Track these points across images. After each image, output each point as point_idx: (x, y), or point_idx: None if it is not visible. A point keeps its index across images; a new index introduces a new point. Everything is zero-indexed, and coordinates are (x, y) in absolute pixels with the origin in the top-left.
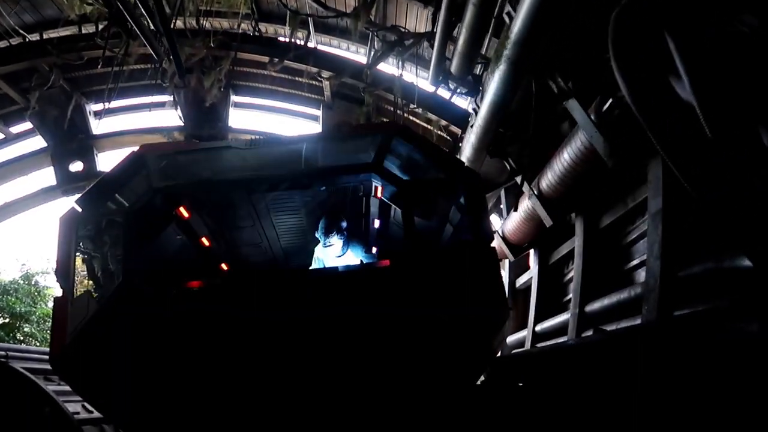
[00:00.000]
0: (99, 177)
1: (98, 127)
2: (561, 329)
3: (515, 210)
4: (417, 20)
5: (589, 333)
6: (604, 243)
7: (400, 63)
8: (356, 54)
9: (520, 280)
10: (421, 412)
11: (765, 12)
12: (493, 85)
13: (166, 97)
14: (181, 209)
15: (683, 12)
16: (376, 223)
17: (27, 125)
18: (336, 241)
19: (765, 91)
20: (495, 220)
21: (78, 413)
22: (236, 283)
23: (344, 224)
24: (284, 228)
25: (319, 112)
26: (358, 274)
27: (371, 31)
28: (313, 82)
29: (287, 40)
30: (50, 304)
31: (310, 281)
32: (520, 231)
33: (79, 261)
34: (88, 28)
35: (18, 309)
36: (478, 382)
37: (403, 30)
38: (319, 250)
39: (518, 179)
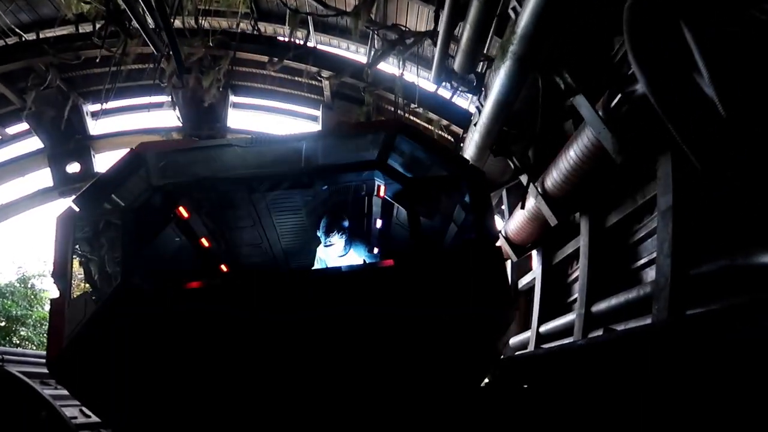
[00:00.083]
0: (96, 177)
1: (95, 127)
2: (566, 330)
3: (518, 209)
4: (418, 19)
5: (597, 333)
6: (610, 242)
7: (401, 62)
8: (356, 54)
9: (523, 281)
10: (425, 413)
11: None
12: (498, 82)
13: (165, 98)
14: (181, 209)
15: (699, 1)
16: (378, 223)
17: (23, 126)
18: (337, 240)
19: None
20: (497, 221)
21: (75, 418)
22: (239, 284)
23: (346, 223)
24: (285, 228)
25: (318, 113)
26: (362, 273)
27: (372, 29)
28: (313, 82)
29: (287, 39)
30: (47, 308)
31: (314, 281)
32: (523, 231)
33: (75, 264)
34: (86, 28)
35: (14, 312)
36: (483, 384)
37: (403, 29)
38: (320, 251)
39: (523, 178)
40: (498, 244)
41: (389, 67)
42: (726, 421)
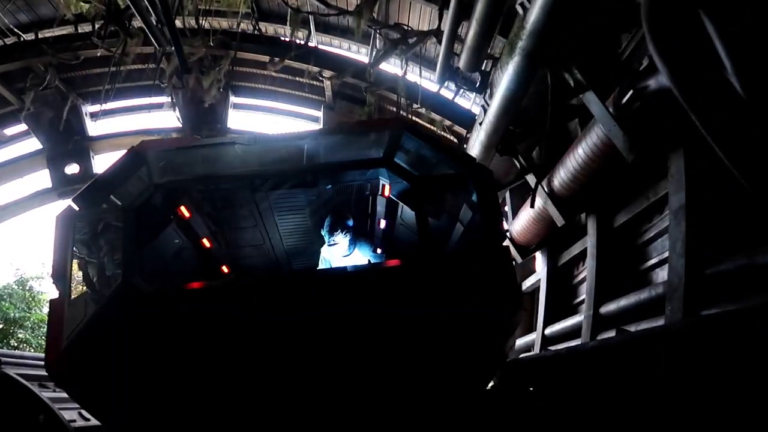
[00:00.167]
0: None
1: (95, 128)
2: (573, 332)
3: (523, 210)
4: (420, 18)
5: (606, 335)
6: (618, 242)
7: (403, 61)
8: (357, 54)
9: (527, 283)
10: (431, 415)
11: None
12: (505, 78)
13: (164, 99)
14: (182, 208)
15: None
16: (383, 223)
17: (22, 127)
18: (341, 239)
19: None
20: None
21: (74, 421)
22: (243, 284)
23: (350, 222)
24: (288, 229)
25: (320, 113)
26: (369, 273)
27: (374, 29)
28: (314, 83)
29: (288, 39)
30: (45, 310)
31: (320, 281)
32: (529, 232)
33: (75, 265)
34: (85, 28)
35: (12, 314)
36: (489, 387)
37: (406, 28)
38: (325, 250)
39: (529, 178)
40: (505, 244)
41: (391, 67)
42: (750, 425)
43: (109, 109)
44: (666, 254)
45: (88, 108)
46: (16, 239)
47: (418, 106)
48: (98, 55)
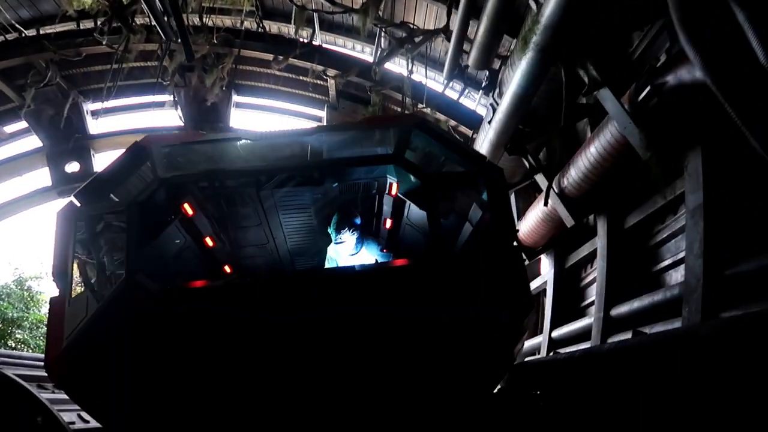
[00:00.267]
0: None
1: (95, 126)
2: (582, 335)
3: (531, 211)
4: (426, 17)
5: (618, 337)
6: (629, 243)
7: (409, 61)
8: (362, 54)
9: (532, 285)
10: (438, 418)
11: None
12: (517, 74)
13: (166, 97)
14: (186, 206)
15: None
16: (389, 222)
17: (22, 124)
18: (348, 237)
19: None
20: None
21: (73, 423)
22: (250, 284)
23: (358, 221)
24: (294, 228)
25: (323, 113)
26: (378, 273)
27: (380, 27)
28: (318, 81)
29: (292, 37)
30: (43, 310)
31: (328, 281)
32: (536, 233)
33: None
34: (87, 24)
35: (10, 314)
36: (496, 390)
37: (412, 26)
38: (331, 249)
39: (539, 178)
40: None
41: (396, 67)
42: None
43: (110, 107)
44: (680, 255)
45: (89, 106)
46: (15, 238)
47: (423, 106)
48: (100, 51)
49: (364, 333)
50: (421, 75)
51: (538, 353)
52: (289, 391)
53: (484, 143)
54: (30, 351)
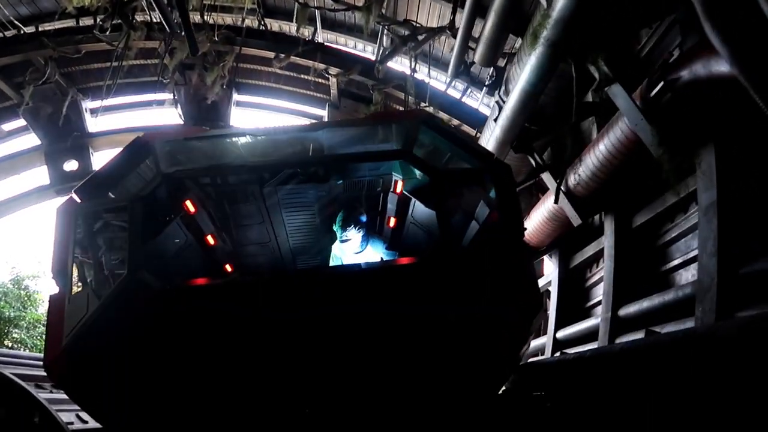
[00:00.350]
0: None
1: (94, 125)
2: (588, 335)
3: (536, 210)
4: (429, 15)
5: (626, 338)
6: (637, 243)
7: (412, 59)
8: (363, 52)
9: None
10: (444, 419)
11: None
12: (526, 71)
13: (166, 95)
14: (188, 203)
15: None
16: (392, 221)
17: (20, 122)
18: (354, 235)
19: None
20: None
21: (72, 423)
22: (256, 282)
23: (364, 218)
24: (297, 226)
25: (324, 112)
26: (384, 271)
27: (383, 25)
28: (319, 80)
29: (294, 35)
30: (41, 310)
31: (333, 278)
32: (541, 232)
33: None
34: (86, 21)
35: (7, 314)
36: (501, 391)
37: (415, 24)
38: (336, 247)
39: (545, 176)
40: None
41: (398, 65)
42: None
43: (109, 105)
44: (691, 254)
45: (88, 104)
46: (12, 237)
47: (426, 104)
48: (99, 49)
49: (370, 331)
50: (423, 74)
51: (541, 354)
52: (293, 390)
53: (489, 141)
54: (27, 351)
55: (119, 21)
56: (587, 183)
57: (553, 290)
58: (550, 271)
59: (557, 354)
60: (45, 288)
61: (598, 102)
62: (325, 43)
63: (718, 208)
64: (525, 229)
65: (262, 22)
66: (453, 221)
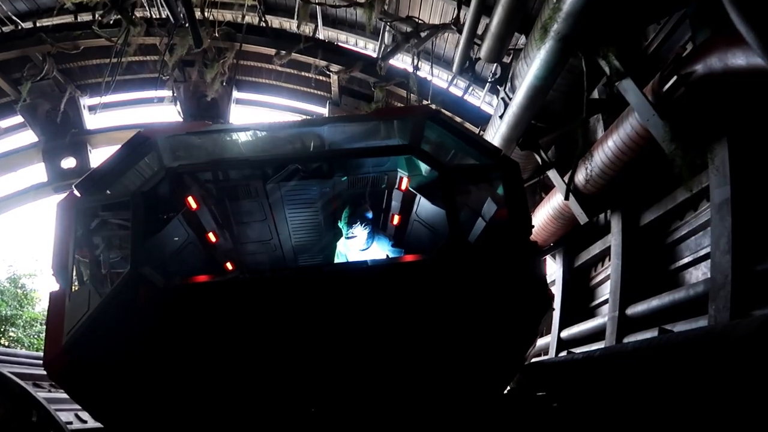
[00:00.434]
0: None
1: (93, 121)
2: (593, 335)
3: (540, 208)
4: (431, 12)
5: (634, 337)
6: (645, 241)
7: (414, 56)
8: (364, 50)
9: None
10: (449, 420)
11: None
12: (534, 66)
13: (165, 92)
14: (190, 199)
15: None
16: (396, 218)
17: (17, 119)
18: (360, 231)
19: None
20: None
21: (71, 423)
22: (264, 280)
23: (370, 215)
24: (300, 224)
25: (325, 110)
26: (392, 268)
27: (385, 21)
28: (320, 78)
29: (295, 31)
30: (37, 308)
31: (340, 276)
32: (545, 231)
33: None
34: (85, 17)
35: (3, 312)
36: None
37: (418, 21)
38: (341, 244)
39: (551, 173)
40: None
41: (400, 63)
42: None
43: (107, 102)
44: (701, 252)
45: (86, 101)
46: (9, 235)
47: (428, 102)
48: (98, 45)
49: (379, 329)
50: (425, 72)
51: (543, 354)
52: (299, 389)
53: (495, 138)
54: (24, 349)
55: (119, 17)
56: (595, 180)
57: (557, 290)
58: (553, 270)
59: (562, 354)
60: (42, 286)
61: (605, 99)
62: (326, 41)
63: (732, 205)
64: (533, 226)
65: (263, 19)
66: (461, 218)
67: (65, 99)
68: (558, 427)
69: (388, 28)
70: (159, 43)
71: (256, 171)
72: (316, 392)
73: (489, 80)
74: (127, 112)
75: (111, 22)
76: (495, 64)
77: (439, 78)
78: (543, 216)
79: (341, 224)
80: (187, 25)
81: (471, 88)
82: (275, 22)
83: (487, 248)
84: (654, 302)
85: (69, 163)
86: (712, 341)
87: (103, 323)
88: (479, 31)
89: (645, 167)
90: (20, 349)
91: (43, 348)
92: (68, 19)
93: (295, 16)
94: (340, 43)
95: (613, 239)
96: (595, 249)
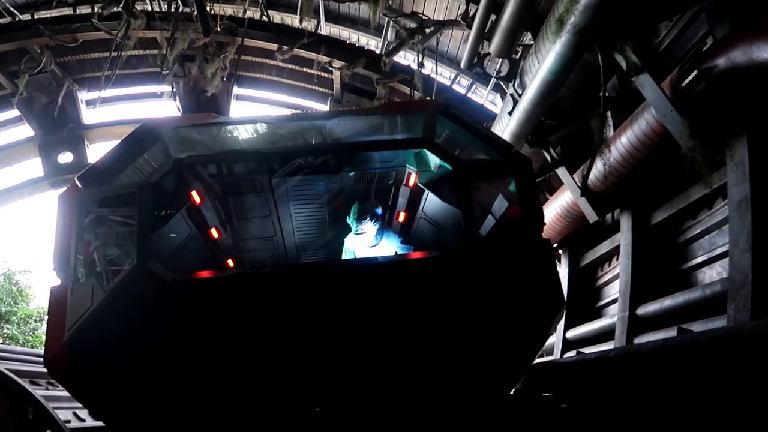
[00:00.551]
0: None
1: (90, 116)
2: (601, 335)
3: (548, 207)
4: (436, 8)
5: (645, 338)
6: (656, 240)
7: (420, 52)
8: (367, 46)
9: None
10: (451, 420)
11: None
12: (548, 60)
13: (164, 87)
14: (194, 193)
15: None
16: (402, 215)
17: (14, 112)
18: (369, 228)
19: None
20: None
21: (69, 421)
22: (273, 276)
23: (379, 211)
24: (305, 219)
25: (326, 107)
26: (402, 265)
27: (390, 17)
28: (322, 74)
29: (298, 27)
30: (32, 305)
31: (345, 273)
32: (552, 230)
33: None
34: (84, 10)
35: None
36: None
37: (423, 17)
38: (349, 241)
39: (560, 171)
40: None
41: (403, 60)
42: None
43: (106, 96)
44: (716, 252)
45: (84, 95)
46: (4, 230)
47: (432, 99)
48: (97, 38)
49: (389, 326)
50: (428, 69)
51: (548, 355)
52: (304, 387)
53: (503, 135)
54: (19, 346)
55: (119, 9)
56: (606, 178)
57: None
58: (558, 270)
59: (568, 354)
60: (37, 283)
61: (616, 96)
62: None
63: (751, 203)
64: (545, 224)
65: (265, 13)
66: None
67: (63, 93)
68: (566, 428)
69: (392, 24)
70: (159, 37)
71: (261, 165)
72: (323, 391)
73: (494, 77)
74: (125, 107)
75: (111, 14)
76: (499, 63)
77: (441, 76)
78: (550, 215)
79: (350, 220)
80: (195, 13)
81: (474, 86)
82: (277, 17)
83: (500, 246)
84: (667, 302)
85: (66, 157)
86: (741, 342)
87: (107, 319)
88: (487, 28)
89: (658, 165)
90: (15, 345)
91: (43, 344)
92: (67, 11)
93: (298, 12)
94: (343, 39)
95: (623, 238)
96: (602, 248)
